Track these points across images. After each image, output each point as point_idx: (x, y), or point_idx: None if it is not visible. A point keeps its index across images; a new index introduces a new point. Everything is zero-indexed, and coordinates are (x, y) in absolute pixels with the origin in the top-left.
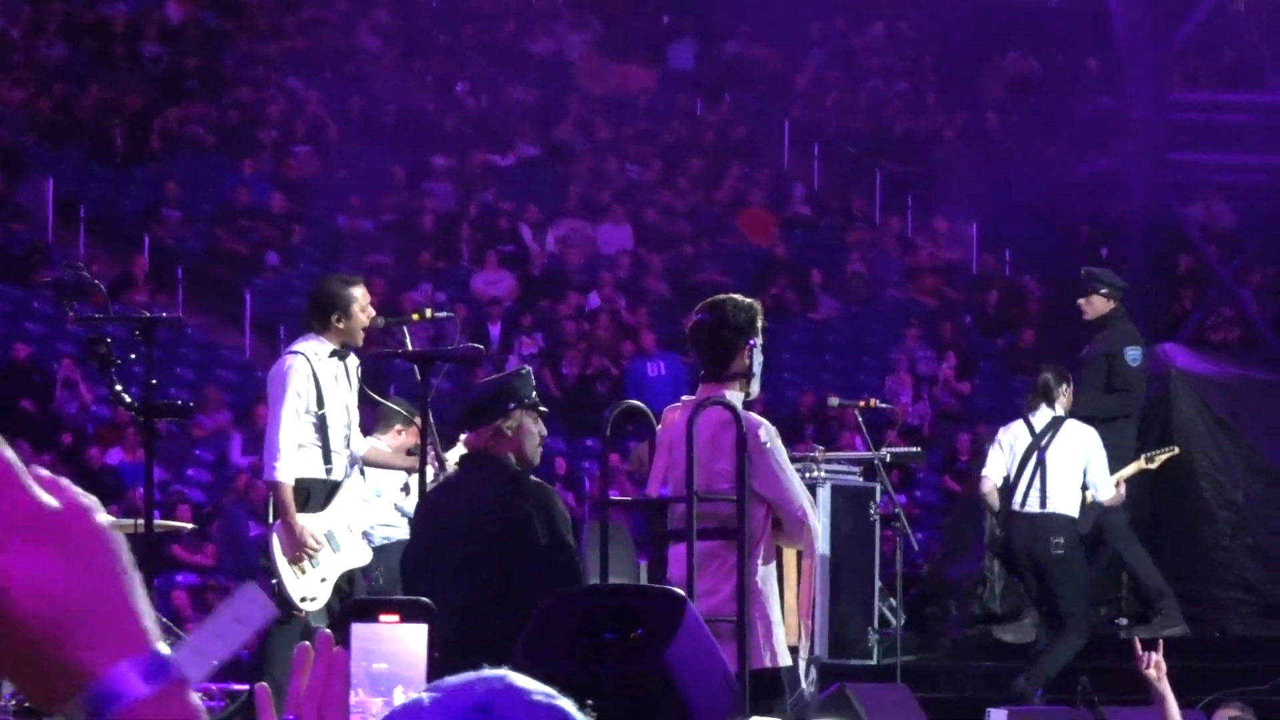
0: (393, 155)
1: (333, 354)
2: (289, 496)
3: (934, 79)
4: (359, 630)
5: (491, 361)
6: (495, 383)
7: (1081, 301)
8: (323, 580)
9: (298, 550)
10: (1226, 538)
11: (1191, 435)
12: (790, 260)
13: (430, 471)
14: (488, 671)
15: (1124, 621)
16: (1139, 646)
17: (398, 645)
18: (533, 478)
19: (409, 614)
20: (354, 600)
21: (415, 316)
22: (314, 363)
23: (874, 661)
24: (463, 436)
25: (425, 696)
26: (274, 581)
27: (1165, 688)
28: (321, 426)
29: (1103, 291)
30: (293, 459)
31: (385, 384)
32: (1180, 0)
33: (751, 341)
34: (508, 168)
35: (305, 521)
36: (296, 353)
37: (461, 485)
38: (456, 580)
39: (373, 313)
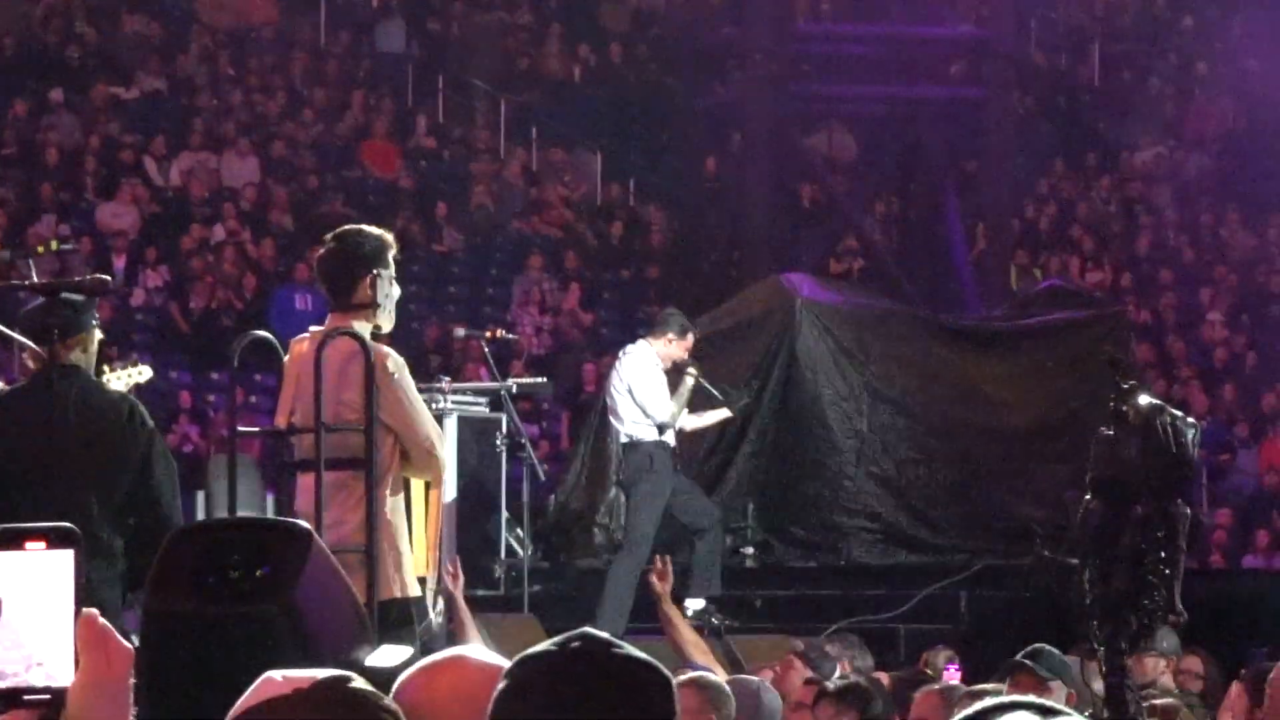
0: (13, 88)
1: None
2: None
3: (558, 10)
4: (3, 559)
5: (116, 294)
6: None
7: None
8: None
9: None
10: (852, 466)
11: (817, 364)
12: (414, 192)
13: None
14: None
15: (750, 550)
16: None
17: (44, 572)
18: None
19: (55, 540)
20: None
21: (39, 249)
22: None
23: (501, 591)
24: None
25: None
26: None
27: (670, 607)
28: None
29: None
30: None
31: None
32: None
33: (376, 271)
34: (131, 101)
35: None
36: None
37: (61, 395)
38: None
39: None
